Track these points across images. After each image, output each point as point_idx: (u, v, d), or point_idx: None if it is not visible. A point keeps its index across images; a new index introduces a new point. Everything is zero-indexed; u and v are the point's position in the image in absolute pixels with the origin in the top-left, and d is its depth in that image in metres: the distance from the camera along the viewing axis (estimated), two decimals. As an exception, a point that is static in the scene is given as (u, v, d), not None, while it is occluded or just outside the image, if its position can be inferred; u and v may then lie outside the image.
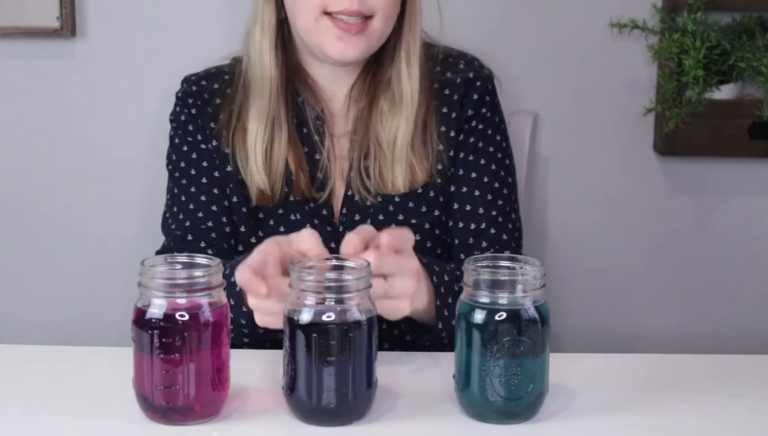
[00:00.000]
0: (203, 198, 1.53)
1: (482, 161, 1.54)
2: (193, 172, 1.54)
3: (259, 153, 1.47)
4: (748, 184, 2.11)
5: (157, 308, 1.06)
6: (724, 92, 1.96)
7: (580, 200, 2.11)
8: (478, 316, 1.08)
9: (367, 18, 1.41)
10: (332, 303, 1.06)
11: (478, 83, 1.55)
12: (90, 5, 2.01)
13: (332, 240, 1.46)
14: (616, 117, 2.07)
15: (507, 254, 1.30)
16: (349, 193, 1.51)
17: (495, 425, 1.10)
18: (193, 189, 1.54)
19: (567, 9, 2.03)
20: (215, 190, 1.53)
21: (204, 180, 1.53)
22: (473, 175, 1.53)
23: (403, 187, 1.49)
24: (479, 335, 1.07)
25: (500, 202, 1.54)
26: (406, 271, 1.21)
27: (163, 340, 1.06)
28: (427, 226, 1.52)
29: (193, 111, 1.54)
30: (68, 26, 1.99)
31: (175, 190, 1.56)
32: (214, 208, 1.53)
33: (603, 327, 2.14)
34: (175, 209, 1.55)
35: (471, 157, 1.53)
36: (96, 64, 2.03)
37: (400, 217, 1.51)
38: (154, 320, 1.06)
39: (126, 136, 2.06)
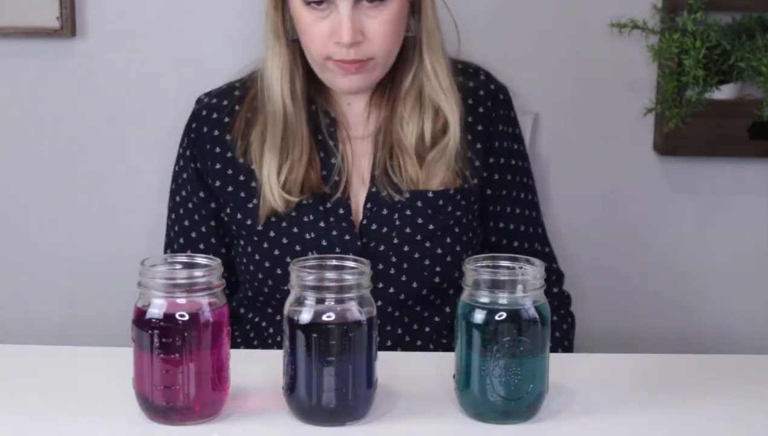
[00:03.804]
0: (193, 235, 1.58)
1: (521, 179, 1.59)
2: (190, 205, 1.57)
3: (274, 182, 1.48)
4: (748, 184, 2.11)
5: (157, 308, 1.07)
6: (724, 92, 1.96)
7: (580, 200, 2.10)
8: (478, 316, 1.08)
9: (368, 60, 1.44)
10: (332, 303, 1.07)
11: (502, 96, 1.58)
12: (90, 5, 2.01)
13: (347, 235, 1.48)
14: (616, 117, 2.07)
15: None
16: (374, 189, 1.51)
17: (495, 425, 1.10)
18: (186, 223, 1.58)
19: (567, 9, 2.03)
20: (204, 228, 1.57)
21: (196, 217, 1.57)
22: (514, 193, 1.58)
23: (436, 186, 1.50)
24: (479, 335, 1.08)
25: (534, 214, 1.62)
26: None
27: (163, 340, 1.06)
28: (451, 222, 1.52)
29: (193, 136, 1.56)
30: (68, 26, 1.99)
31: (172, 217, 1.60)
32: (201, 246, 1.57)
33: (603, 327, 2.13)
34: (171, 235, 1.61)
35: (509, 178, 1.57)
36: (96, 64, 2.03)
37: (429, 211, 1.50)
38: (154, 320, 1.06)
39: (125, 136, 2.05)
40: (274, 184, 1.48)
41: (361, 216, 1.50)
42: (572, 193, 2.10)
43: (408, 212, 1.50)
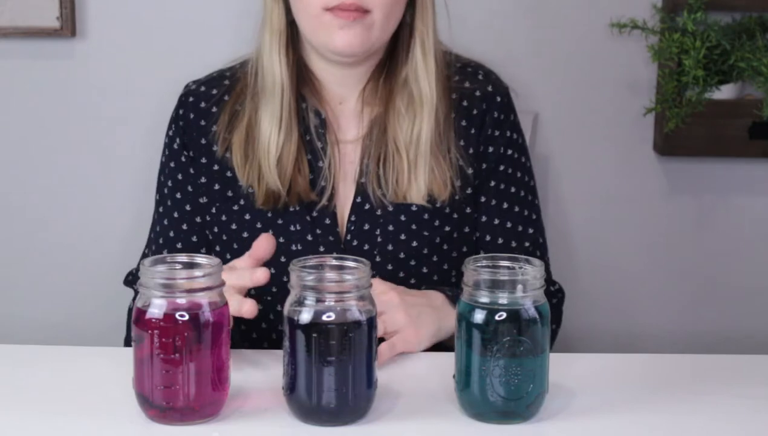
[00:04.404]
0: (185, 226, 1.50)
1: (513, 190, 1.50)
2: (178, 195, 1.50)
3: (273, 154, 1.42)
4: (748, 184, 2.11)
5: (157, 308, 1.06)
6: (724, 92, 1.96)
7: (580, 200, 2.11)
8: (478, 316, 1.08)
9: (366, 12, 1.38)
10: (332, 303, 1.06)
11: (499, 98, 1.50)
12: (90, 5, 2.01)
13: (335, 250, 1.43)
14: (616, 117, 2.07)
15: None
16: (359, 199, 1.46)
17: (495, 425, 1.10)
18: (176, 214, 1.51)
19: (567, 9, 2.03)
20: (197, 219, 1.50)
21: (186, 208, 1.50)
22: (505, 205, 1.49)
23: (422, 198, 1.43)
24: (479, 335, 1.07)
25: (530, 231, 1.51)
26: (389, 307, 1.28)
27: (163, 340, 1.06)
28: (437, 240, 1.46)
29: (182, 124, 1.51)
30: (68, 26, 1.99)
31: (159, 210, 1.53)
32: (194, 239, 1.50)
33: (603, 327, 2.14)
34: (158, 229, 1.53)
35: (502, 187, 1.50)
36: (96, 64, 2.03)
37: (414, 226, 1.45)
38: (154, 320, 1.06)
39: (126, 136, 2.06)
40: (272, 159, 1.42)
41: (345, 230, 1.45)
42: (572, 193, 2.10)
43: (390, 228, 1.44)
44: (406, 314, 1.29)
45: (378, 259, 1.44)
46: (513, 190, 1.50)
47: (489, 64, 1.60)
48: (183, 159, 1.51)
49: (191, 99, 1.51)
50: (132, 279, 1.54)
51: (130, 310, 1.52)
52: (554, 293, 1.54)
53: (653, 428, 1.11)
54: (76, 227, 2.09)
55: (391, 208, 1.44)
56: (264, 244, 1.26)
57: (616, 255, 2.13)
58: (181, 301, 1.07)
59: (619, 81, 2.06)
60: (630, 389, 1.20)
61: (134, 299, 1.51)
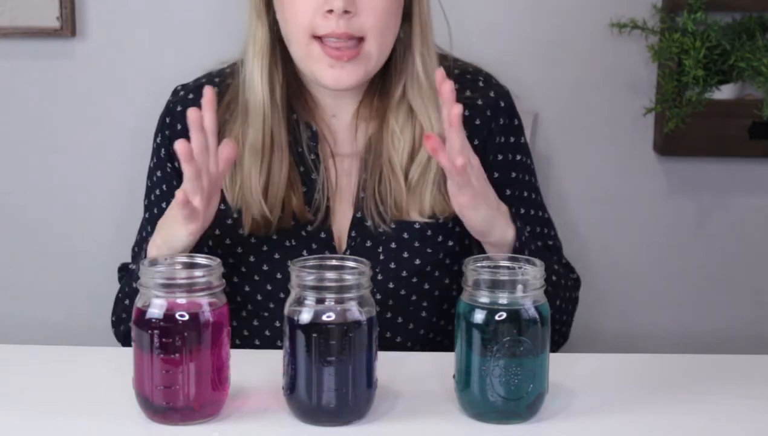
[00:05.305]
0: None
1: (525, 194, 1.48)
2: (164, 205, 1.46)
3: (255, 183, 1.37)
4: (748, 184, 2.11)
5: (157, 308, 1.07)
6: (724, 92, 1.96)
7: (580, 200, 2.10)
8: (478, 316, 1.08)
9: (359, 41, 1.32)
10: (332, 303, 1.07)
11: (502, 103, 1.46)
12: (90, 5, 2.01)
13: None
14: (616, 117, 2.07)
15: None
16: (359, 215, 1.41)
17: (495, 425, 1.10)
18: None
19: (567, 9, 2.03)
20: None
21: None
22: (522, 211, 1.47)
23: (421, 215, 1.40)
24: (479, 335, 1.08)
25: (546, 231, 1.50)
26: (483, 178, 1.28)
27: (163, 340, 1.06)
28: (441, 256, 1.43)
29: (168, 133, 1.46)
30: (68, 26, 1.99)
31: (146, 216, 1.51)
32: None
33: (603, 327, 2.14)
34: (144, 235, 1.50)
35: (516, 193, 1.46)
36: (96, 64, 2.03)
37: (416, 244, 1.41)
38: (154, 320, 1.06)
39: (125, 137, 2.05)
40: (255, 186, 1.37)
41: (344, 245, 1.42)
42: (572, 193, 2.10)
43: (393, 245, 1.41)
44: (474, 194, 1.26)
45: (380, 277, 1.40)
46: (525, 194, 1.48)
47: (488, 64, 1.59)
48: (169, 169, 1.47)
49: (179, 108, 1.46)
50: (123, 275, 1.53)
51: (117, 298, 1.50)
52: (575, 281, 1.54)
53: (653, 428, 1.11)
54: (76, 227, 2.09)
55: (393, 226, 1.41)
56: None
57: (616, 255, 2.13)
58: (181, 301, 1.07)
59: (619, 81, 2.06)
60: (630, 389, 1.20)
61: (121, 287, 1.50)
